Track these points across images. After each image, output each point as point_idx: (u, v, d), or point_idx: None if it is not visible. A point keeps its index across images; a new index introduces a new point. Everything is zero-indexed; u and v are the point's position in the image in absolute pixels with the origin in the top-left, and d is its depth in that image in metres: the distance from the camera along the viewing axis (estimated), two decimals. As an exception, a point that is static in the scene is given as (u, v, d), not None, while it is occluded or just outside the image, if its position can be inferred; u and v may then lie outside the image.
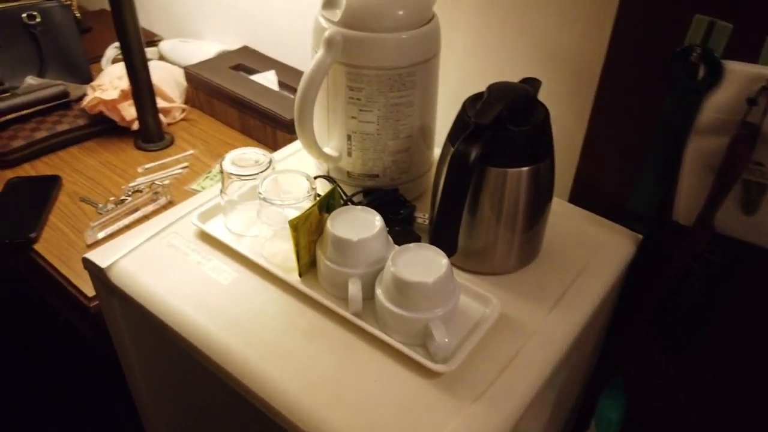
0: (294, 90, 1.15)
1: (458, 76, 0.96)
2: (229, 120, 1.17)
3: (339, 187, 0.78)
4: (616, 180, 0.82)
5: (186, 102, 1.24)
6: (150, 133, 1.11)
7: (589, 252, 0.77)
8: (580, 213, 0.84)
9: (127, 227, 0.92)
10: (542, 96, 0.70)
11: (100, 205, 0.96)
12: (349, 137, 0.76)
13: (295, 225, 0.65)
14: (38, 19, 1.17)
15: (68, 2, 1.19)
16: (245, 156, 0.77)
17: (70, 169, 1.05)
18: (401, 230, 0.77)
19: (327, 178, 0.79)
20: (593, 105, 0.80)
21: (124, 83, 1.07)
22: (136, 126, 1.11)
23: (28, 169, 1.04)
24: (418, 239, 0.76)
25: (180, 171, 1.05)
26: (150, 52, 1.38)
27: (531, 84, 0.71)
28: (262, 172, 0.74)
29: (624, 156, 0.80)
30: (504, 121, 0.64)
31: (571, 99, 0.85)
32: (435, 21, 0.74)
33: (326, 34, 0.69)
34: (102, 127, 1.12)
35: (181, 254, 0.74)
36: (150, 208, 0.96)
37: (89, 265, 0.74)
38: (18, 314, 1.57)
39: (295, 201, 0.70)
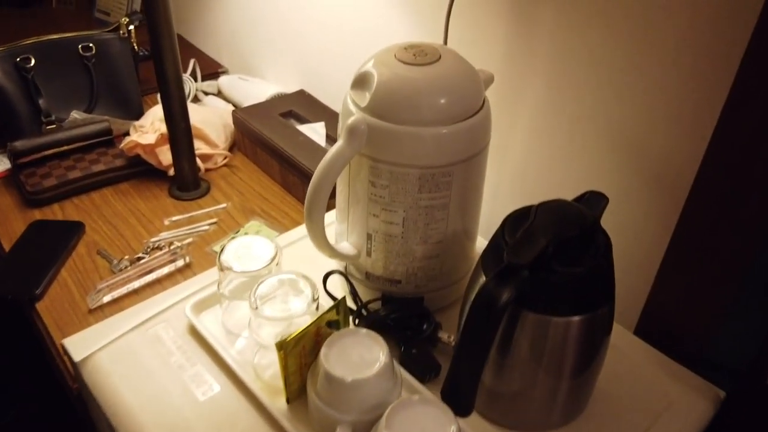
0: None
1: (520, 155, 0.82)
2: (271, 172, 1.09)
3: (354, 292, 0.67)
4: (699, 315, 0.65)
5: (233, 146, 1.17)
6: (185, 181, 1.04)
7: (652, 408, 0.61)
8: (647, 351, 0.68)
9: (136, 292, 0.85)
10: (616, 198, 0.56)
11: (115, 262, 0.90)
12: (369, 236, 0.65)
13: (284, 347, 0.54)
14: (93, 51, 1.14)
15: (125, 34, 1.15)
16: (248, 245, 0.67)
17: (97, 214, 1.00)
18: (419, 354, 0.64)
19: (342, 275, 0.68)
20: (680, 218, 0.64)
21: (165, 126, 1.01)
22: (172, 172, 1.04)
23: (56, 210, 1.00)
24: (437, 369, 0.63)
25: (207, 227, 0.98)
26: (209, 85, 1.34)
27: (594, 202, 0.56)
28: (261, 269, 0.64)
29: (713, 285, 0.63)
30: (548, 260, 0.50)
31: (651, 207, 0.69)
32: (485, 111, 0.61)
33: (349, 121, 0.58)
34: (140, 168, 1.07)
35: (164, 352, 0.65)
36: (165, 270, 0.88)
37: (66, 351, 0.66)
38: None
39: (289, 317, 0.59)
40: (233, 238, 0.95)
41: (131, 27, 1.14)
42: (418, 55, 0.59)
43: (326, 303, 0.68)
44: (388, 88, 0.58)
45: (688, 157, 0.64)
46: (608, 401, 0.61)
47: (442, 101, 0.58)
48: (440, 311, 0.69)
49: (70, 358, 0.65)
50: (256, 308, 0.59)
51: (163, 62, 0.92)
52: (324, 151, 1.06)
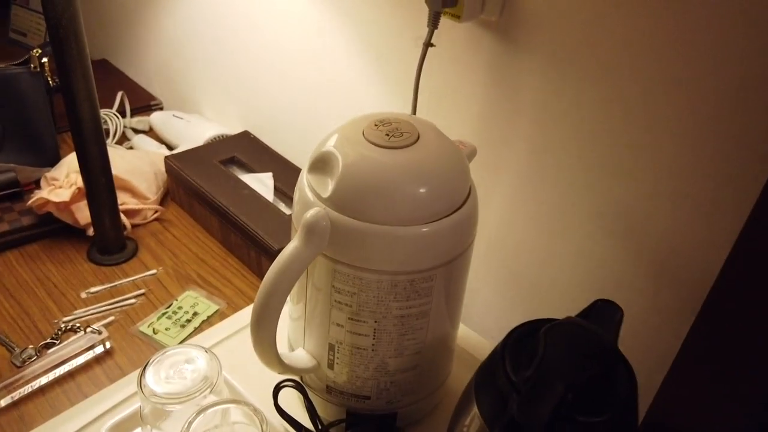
0: (290, 199, 0.94)
1: (498, 230, 0.72)
2: (210, 228, 0.95)
3: (312, 409, 0.55)
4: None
5: (165, 195, 1.02)
6: (106, 243, 0.89)
7: None
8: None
9: (42, 391, 0.70)
10: (613, 290, 0.46)
11: (17, 351, 0.74)
12: (331, 347, 0.53)
13: None
14: (-1, 86, 0.97)
15: (37, 68, 0.99)
16: (177, 358, 0.54)
17: (-3, 285, 0.84)
18: (394, 489, 0.53)
19: (297, 387, 0.56)
20: (697, 318, 0.56)
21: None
22: (91, 232, 0.89)
23: (-53, 282, 0.83)
24: None
25: (133, 301, 0.83)
26: (139, 122, 1.19)
27: (606, 315, 0.46)
28: (195, 396, 0.51)
29: (731, 405, 0.55)
30: (567, 409, 0.40)
31: (654, 302, 0.60)
32: (471, 201, 0.51)
33: (308, 216, 0.47)
34: (52, 227, 0.91)
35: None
36: (80, 361, 0.74)
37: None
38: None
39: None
40: (164, 314, 0.82)
41: (44, 59, 0.98)
42: (393, 135, 0.48)
43: (278, 424, 0.56)
44: (355, 176, 0.47)
45: (702, 244, 0.55)
46: None
47: (423, 194, 0.47)
48: (413, 426, 0.58)
49: None
50: (189, 456, 0.46)
51: (76, 104, 0.77)
52: (272, 209, 0.95)
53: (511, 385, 0.42)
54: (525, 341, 0.45)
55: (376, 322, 0.50)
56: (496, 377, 0.44)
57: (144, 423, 0.53)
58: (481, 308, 0.79)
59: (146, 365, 0.52)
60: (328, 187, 0.47)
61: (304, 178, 0.51)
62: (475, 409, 0.45)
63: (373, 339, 0.51)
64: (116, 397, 0.59)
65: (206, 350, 0.54)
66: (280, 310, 0.48)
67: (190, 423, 0.48)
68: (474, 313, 0.79)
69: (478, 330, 0.73)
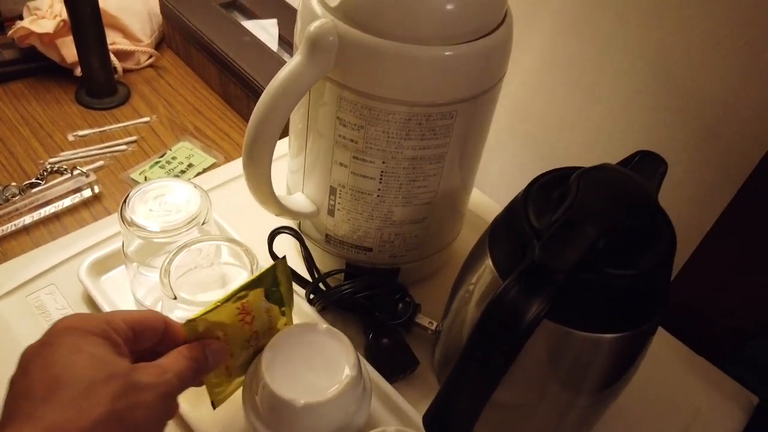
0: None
1: (530, 83, 0.65)
2: (208, 78, 0.88)
3: (309, 258, 0.51)
4: (738, 306, 0.53)
5: (161, 41, 0.94)
6: (96, 85, 0.82)
7: (679, 419, 0.50)
8: (673, 347, 0.56)
9: (26, 230, 0.66)
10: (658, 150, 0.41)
11: (0, 189, 0.70)
12: (333, 190, 0.48)
13: (196, 328, 0.38)
14: None
15: None
16: (165, 190, 0.49)
17: (-21, 121, 0.78)
18: (391, 344, 0.50)
19: (294, 234, 0.51)
20: (742, 188, 0.50)
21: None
22: (79, 72, 0.82)
23: (-76, 114, 0.78)
24: (413, 364, 0.49)
25: (124, 147, 0.77)
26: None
27: (647, 167, 0.40)
28: (180, 231, 0.46)
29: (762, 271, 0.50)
30: (599, 260, 0.35)
31: (699, 166, 0.54)
32: (506, 27, 0.43)
33: (312, 27, 0.39)
34: (38, 64, 0.84)
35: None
36: (66, 202, 0.69)
37: None
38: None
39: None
40: (157, 163, 0.76)
41: None
42: (420, -66, 0.40)
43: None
44: (372, -19, 0.39)
45: (757, 111, 0.48)
46: (626, 411, 0.49)
47: (450, 7, 0.39)
48: (416, 284, 0.54)
49: None
50: (170, 288, 0.42)
51: None
52: (276, 59, 0.87)
53: (533, 232, 0.37)
54: (550, 190, 0.40)
55: (384, 162, 0.44)
56: (515, 226, 0.39)
57: (128, 260, 0.49)
58: (496, 176, 0.73)
59: (128, 196, 0.47)
60: (338, -6, 0.40)
61: (310, -13, 0.43)
62: (487, 262, 0.41)
63: (380, 183, 0.46)
64: (101, 234, 0.55)
65: (195, 186, 0.49)
66: (276, 137, 0.42)
67: (172, 258, 0.43)
68: (487, 179, 0.73)
69: (491, 198, 0.68)
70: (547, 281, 0.34)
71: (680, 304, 0.55)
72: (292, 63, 0.41)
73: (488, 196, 0.68)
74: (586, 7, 0.56)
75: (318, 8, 0.41)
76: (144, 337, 0.35)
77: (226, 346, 0.39)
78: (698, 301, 0.54)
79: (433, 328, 0.50)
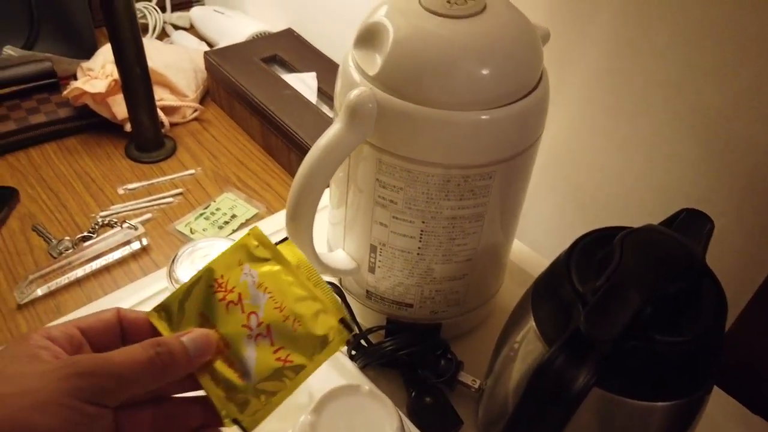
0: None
1: (566, 132, 0.65)
2: (251, 130, 0.91)
3: (350, 314, 0.51)
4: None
5: (205, 94, 0.98)
6: (144, 140, 0.86)
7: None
8: (722, 401, 0.53)
9: (79, 283, 0.69)
10: (700, 203, 0.40)
11: (54, 242, 0.73)
12: (373, 248, 0.48)
13: (165, 316, 0.36)
14: (33, -31, 0.93)
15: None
16: (212, 249, 0.50)
17: (35, 176, 0.82)
18: (434, 402, 0.49)
19: (336, 289, 0.52)
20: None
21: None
22: (129, 127, 0.86)
23: (-15, 171, 0.82)
24: (457, 424, 0.48)
25: (170, 200, 0.80)
26: (179, 17, 1.13)
27: (693, 226, 0.40)
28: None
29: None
30: (646, 326, 0.34)
31: (745, 217, 0.53)
32: (542, 88, 0.43)
33: (352, 96, 0.41)
34: (90, 121, 0.88)
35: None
36: (116, 255, 0.72)
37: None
38: None
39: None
40: (201, 215, 0.79)
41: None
42: (455, 2, 0.41)
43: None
44: (408, 50, 0.40)
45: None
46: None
47: (486, 74, 0.40)
48: (458, 339, 0.54)
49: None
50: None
51: (111, -10, 0.72)
52: (315, 111, 0.89)
53: (577, 296, 0.36)
54: (593, 252, 0.39)
55: (423, 222, 0.45)
56: (558, 288, 0.38)
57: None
58: (534, 223, 0.73)
59: (176, 256, 0.49)
60: (376, 64, 0.41)
61: (350, 55, 0.44)
62: (530, 324, 0.40)
63: (420, 242, 0.46)
64: (151, 288, 0.57)
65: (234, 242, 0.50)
66: (318, 200, 0.43)
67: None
68: (528, 229, 0.73)
69: (532, 248, 0.67)
70: (593, 349, 0.33)
71: (733, 361, 0.53)
72: (333, 130, 0.42)
73: (528, 244, 0.67)
74: (623, 57, 0.56)
75: (357, 76, 0.43)
76: (98, 339, 0.33)
77: (213, 332, 0.34)
78: (752, 358, 0.52)
79: (477, 386, 0.50)
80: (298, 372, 0.34)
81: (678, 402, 0.37)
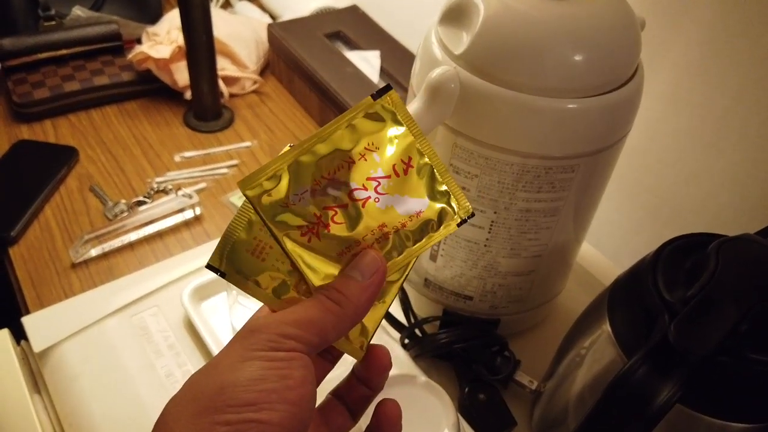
0: (398, 84, 0.85)
1: (649, 138, 0.62)
2: (309, 106, 0.90)
3: (406, 301, 0.50)
4: None
5: (265, 67, 0.97)
6: (204, 108, 0.85)
7: None
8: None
9: (131, 246, 0.69)
10: None
11: (110, 204, 0.73)
12: (438, 236, 0.46)
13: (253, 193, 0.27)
14: (105, -69, 0.93)
15: None
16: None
17: (95, 138, 0.82)
18: (488, 400, 0.47)
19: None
20: None
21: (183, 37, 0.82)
22: (189, 95, 0.86)
23: (48, 128, 0.83)
24: (510, 424, 0.46)
25: (225, 171, 0.80)
26: (244, -11, 1.12)
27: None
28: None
29: None
30: (739, 343, 0.32)
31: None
32: (637, 80, 0.41)
33: (434, 74, 0.39)
34: (152, 86, 0.88)
35: (151, 350, 0.49)
36: (169, 222, 0.72)
37: (24, 334, 0.51)
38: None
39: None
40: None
41: None
42: (552, -18, 0.39)
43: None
44: (498, 30, 0.38)
45: None
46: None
47: (580, 60, 0.38)
48: (515, 336, 0.52)
49: (29, 345, 0.49)
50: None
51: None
52: (376, 89, 0.87)
53: (664, 304, 0.34)
54: (682, 258, 0.37)
55: (495, 213, 0.43)
56: (640, 294, 0.36)
57: (228, 288, 0.49)
58: (600, 225, 0.69)
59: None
60: (463, 42, 0.39)
61: (433, 32, 0.42)
62: (604, 327, 0.38)
63: (489, 233, 0.44)
64: (204, 258, 0.56)
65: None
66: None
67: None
68: (594, 231, 0.70)
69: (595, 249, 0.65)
70: (680, 363, 0.31)
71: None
72: (412, 108, 0.40)
73: (596, 248, 0.64)
74: (718, 55, 0.52)
75: (440, 54, 0.41)
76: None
77: (379, 253, 0.28)
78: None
79: (533, 387, 0.48)
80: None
81: (757, 426, 0.34)
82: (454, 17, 0.40)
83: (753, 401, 0.33)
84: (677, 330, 0.31)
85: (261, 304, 0.29)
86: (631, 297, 0.37)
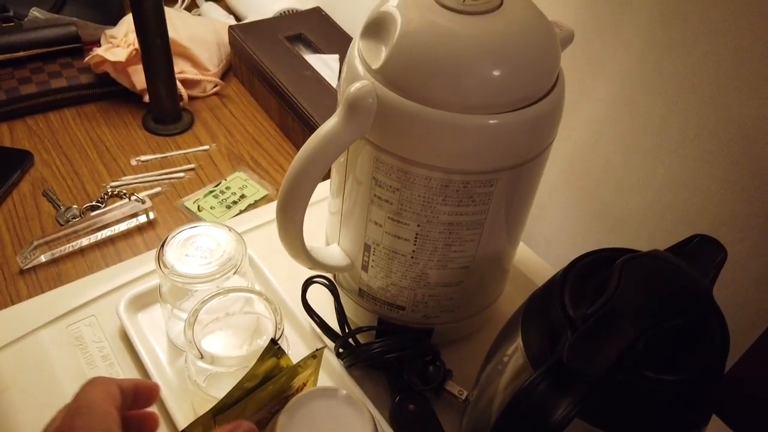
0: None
1: (585, 146, 0.62)
2: (269, 109, 0.90)
3: (341, 311, 0.50)
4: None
5: (227, 70, 0.96)
6: (162, 112, 0.85)
7: None
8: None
9: (82, 252, 0.69)
10: (720, 233, 0.37)
11: (62, 209, 0.73)
12: (367, 247, 0.47)
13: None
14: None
15: None
16: (199, 237, 0.49)
17: (51, 141, 0.82)
18: (417, 411, 0.48)
19: (328, 285, 0.50)
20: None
21: (140, 40, 0.81)
22: (147, 98, 0.85)
23: (3, 131, 0.82)
24: (439, 436, 0.47)
25: (182, 175, 0.80)
26: (209, -11, 1.11)
27: (703, 255, 0.37)
28: (214, 277, 0.46)
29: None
30: (638, 360, 0.32)
31: (764, 246, 0.50)
32: (557, 93, 0.41)
33: (352, 89, 0.39)
34: (110, 89, 0.88)
35: (85, 361, 0.49)
36: (122, 227, 0.72)
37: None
38: None
39: (237, 361, 0.42)
40: (211, 192, 0.78)
41: None
42: (469, -2, 0.39)
43: (303, 321, 0.52)
44: (415, 45, 0.38)
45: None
46: None
47: (497, 75, 0.38)
48: (451, 345, 0.52)
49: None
50: (195, 347, 0.42)
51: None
52: (333, 95, 0.87)
53: (568, 321, 0.34)
54: (592, 274, 0.37)
55: (419, 226, 0.43)
56: (549, 309, 0.36)
57: (163, 300, 0.49)
58: (548, 231, 0.70)
59: (164, 242, 0.48)
60: (381, 57, 0.39)
61: (356, 46, 0.42)
62: (518, 341, 0.38)
63: (414, 245, 0.44)
64: (143, 268, 0.56)
65: (230, 229, 0.49)
66: (309, 195, 0.41)
67: (203, 303, 0.43)
68: (539, 235, 0.71)
69: (541, 256, 0.65)
70: (576, 380, 0.31)
71: (743, 395, 0.50)
72: (330, 123, 0.40)
73: (540, 251, 0.65)
74: (656, 62, 0.53)
75: (360, 68, 0.41)
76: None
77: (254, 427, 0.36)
78: (763, 392, 0.50)
79: (463, 397, 0.48)
80: None
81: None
82: (373, 30, 0.40)
83: (650, 418, 0.34)
84: (570, 349, 0.31)
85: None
86: (542, 312, 0.37)
